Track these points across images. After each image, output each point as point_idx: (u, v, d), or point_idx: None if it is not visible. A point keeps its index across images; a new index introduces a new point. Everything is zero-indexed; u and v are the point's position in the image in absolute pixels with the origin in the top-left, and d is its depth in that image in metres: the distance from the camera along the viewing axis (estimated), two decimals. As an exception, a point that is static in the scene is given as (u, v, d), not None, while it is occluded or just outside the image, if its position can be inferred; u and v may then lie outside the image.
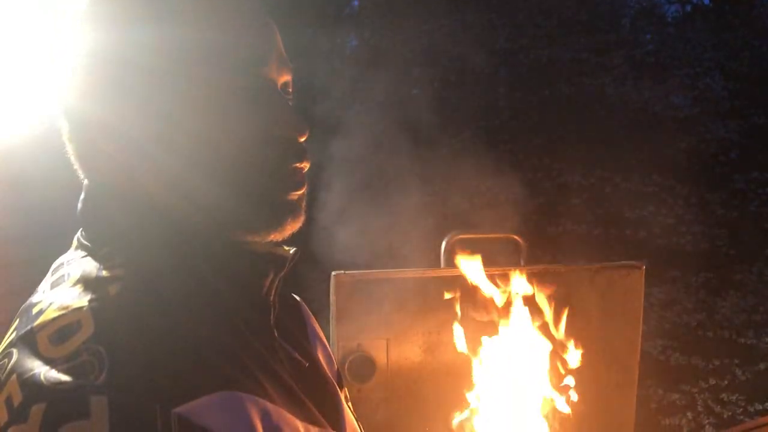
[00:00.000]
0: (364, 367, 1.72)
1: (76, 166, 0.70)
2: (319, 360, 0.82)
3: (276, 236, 0.69)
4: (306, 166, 0.70)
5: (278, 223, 0.69)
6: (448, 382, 1.73)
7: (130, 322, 0.57)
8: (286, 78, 0.72)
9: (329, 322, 1.70)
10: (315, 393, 0.74)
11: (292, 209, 0.69)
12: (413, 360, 1.74)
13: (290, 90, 0.73)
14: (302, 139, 0.69)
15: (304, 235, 0.73)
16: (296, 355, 0.75)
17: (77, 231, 0.70)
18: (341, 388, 0.85)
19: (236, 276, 0.69)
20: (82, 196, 0.70)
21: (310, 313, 0.92)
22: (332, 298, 1.67)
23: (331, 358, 0.91)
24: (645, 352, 4.77)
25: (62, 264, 0.67)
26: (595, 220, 5.60)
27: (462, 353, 1.70)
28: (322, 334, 0.91)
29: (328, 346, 0.91)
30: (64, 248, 0.71)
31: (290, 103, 0.72)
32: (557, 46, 6.43)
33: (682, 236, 5.51)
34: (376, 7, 6.70)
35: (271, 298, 0.72)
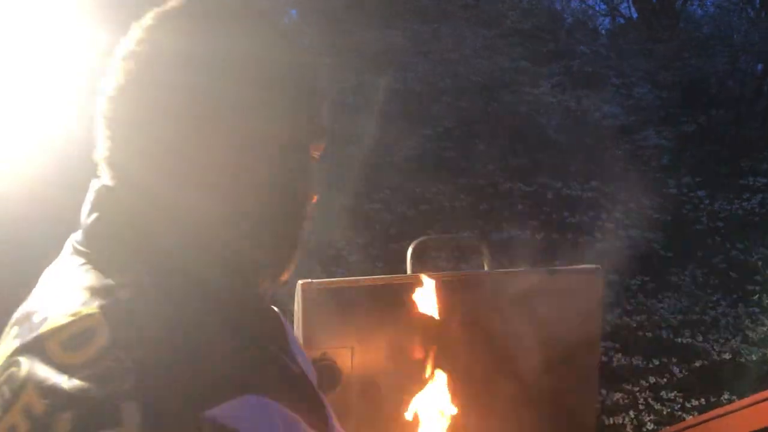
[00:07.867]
0: (329, 376, 1.70)
1: (109, 174, 0.69)
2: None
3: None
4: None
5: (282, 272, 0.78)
6: (414, 389, 1.72)
7: (148, 326, 0.56)
8: (321, 146, 0.79)
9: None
10: (309, 399, 0.74)
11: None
12: (378, 368, 1.73)
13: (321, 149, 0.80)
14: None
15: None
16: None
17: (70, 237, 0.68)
18: None
19: (248, 290, 0.72)
20: (90, 199, 0.68)
21: (288, 324, 0.92)
22: (297, 307, 1.64)
23: (310, 366, 0.90)
24: (589, 353, 4.91)
25: (58, 270, 0.65)
26: (538, 226, 5.73)
27: (425, 360, 1.70)
28: (300, 344, 0.91)
29: (306, 355, 0.91)
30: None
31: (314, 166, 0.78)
32: (498, 56, 6.57)
33: (621, 240, 5.70)
34: (315, 16, 6.68)
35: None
